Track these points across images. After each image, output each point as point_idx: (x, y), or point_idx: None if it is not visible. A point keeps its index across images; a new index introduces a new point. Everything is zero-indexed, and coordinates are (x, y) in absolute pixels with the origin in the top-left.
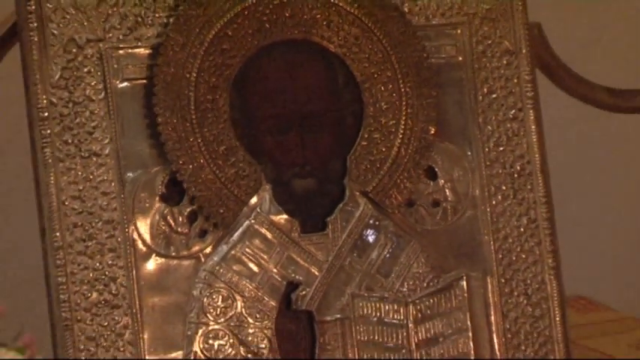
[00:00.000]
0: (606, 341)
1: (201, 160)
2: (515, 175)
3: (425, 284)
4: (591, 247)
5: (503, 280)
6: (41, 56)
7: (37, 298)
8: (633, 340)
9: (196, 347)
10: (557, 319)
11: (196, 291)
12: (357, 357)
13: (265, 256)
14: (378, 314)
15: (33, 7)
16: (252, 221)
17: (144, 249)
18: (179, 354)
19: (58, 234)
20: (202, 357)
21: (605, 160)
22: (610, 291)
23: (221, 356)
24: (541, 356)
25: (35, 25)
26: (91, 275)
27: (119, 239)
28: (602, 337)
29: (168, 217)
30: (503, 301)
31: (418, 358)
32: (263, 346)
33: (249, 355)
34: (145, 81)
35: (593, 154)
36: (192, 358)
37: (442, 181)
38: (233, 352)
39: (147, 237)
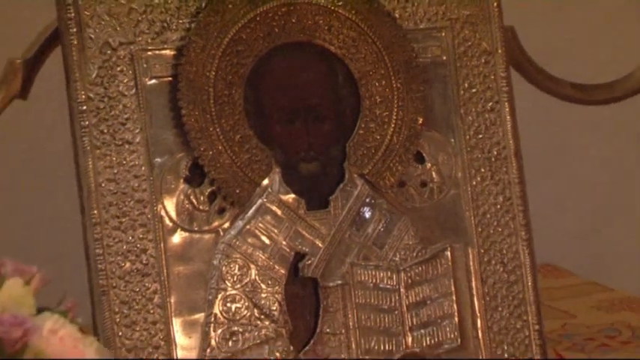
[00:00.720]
0: (571, 303)
1: (220, 147)
2: (493, 159)
3: (414, 254)
4: (558, 221)
5: (482, 251)
6: (80, 57)
7: (77, 268)
8: (594, 302)
9: (216, 310)
10: (530, 284)
11: (216, 261)
12: (355, 317)
13: (276, 230)
14: (374, 280)
15: (72, 15)
16: (264, 200)
17: (170, 224)
18: (201, 315)
19: (95, 212)
20: (221, 318)
21: (570, 145)
22: (573, 259)
23: (238, 317)
24: (516, 316)
25: (74, 30)
26: (124, 247)
27: (149, 216)
28: (568, 299)
29: (191, 197)
30: (483, 269)
31: (409, 318)
32: (274, 308)
33: (262, 316)
34: (170, 78)
35: (560, 139)
36: (212, 319)
37: (429, 164)
38: (248, 313)
39: (173, 214)
